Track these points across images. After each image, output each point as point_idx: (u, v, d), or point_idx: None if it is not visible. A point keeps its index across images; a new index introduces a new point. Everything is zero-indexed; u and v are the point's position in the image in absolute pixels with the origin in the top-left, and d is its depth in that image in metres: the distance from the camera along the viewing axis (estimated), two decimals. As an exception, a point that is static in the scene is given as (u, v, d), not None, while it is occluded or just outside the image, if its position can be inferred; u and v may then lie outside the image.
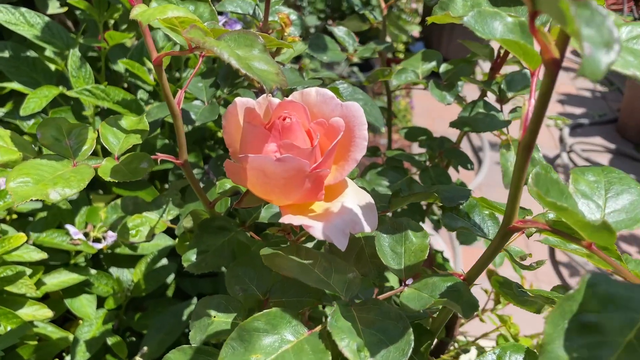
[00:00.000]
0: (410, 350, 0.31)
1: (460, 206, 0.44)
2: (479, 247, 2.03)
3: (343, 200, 0.39)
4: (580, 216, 0.28)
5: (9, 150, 0.45)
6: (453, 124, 0.65)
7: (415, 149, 2.68)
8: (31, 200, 0.42)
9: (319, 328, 0.33)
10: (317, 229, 0.36)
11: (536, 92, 0.33)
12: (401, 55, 3.22)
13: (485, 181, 2.53)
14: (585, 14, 0.21)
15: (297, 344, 0.33)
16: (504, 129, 0.64)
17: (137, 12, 0.36)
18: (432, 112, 3.09)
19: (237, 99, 0.40)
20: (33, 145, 0.55)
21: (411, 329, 0.32)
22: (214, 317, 0.44)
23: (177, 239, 0.61)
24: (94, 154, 0.51)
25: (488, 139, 2.75)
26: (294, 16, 0.65)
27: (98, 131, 0.50)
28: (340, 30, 0.76)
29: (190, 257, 0.53)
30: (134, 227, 0.60)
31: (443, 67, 0.73)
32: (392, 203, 0.46)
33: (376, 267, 0.42)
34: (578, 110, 3.20)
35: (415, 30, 3.26)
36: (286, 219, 0.37)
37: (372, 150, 0.81)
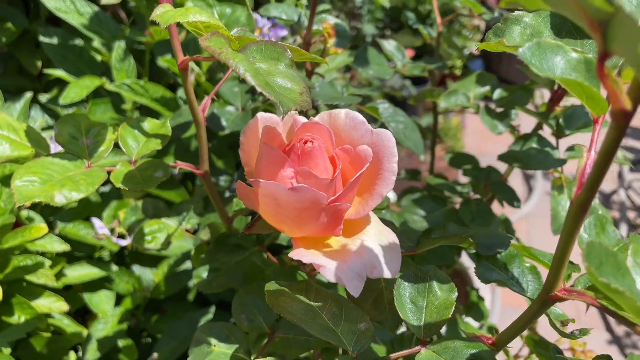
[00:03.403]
0: None
1: (498, 255, 0.39)
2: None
3: (363, 238, 0.35)
4: (637, 302, 0.23)
5: (21, 145, 0.43)
6: (502, 158, 0.60)
7: (461, 174, 2.59)
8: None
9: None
10: (329, 270, 0.32)
11: (597, 142, 0.28)
12: (458, 72, 3.14)
13: (533, 211, 2.42)
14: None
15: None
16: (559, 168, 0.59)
17: (158, 13, 0.33)
18: (485, 132, 2.99)
19: (259, 114, 0.37)
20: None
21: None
22: (214, 346, 0.41)
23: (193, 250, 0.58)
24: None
25: (541, 166, 2.64)
26: (340, 27, 0.61)
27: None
28: (389, 44, 0.72)
29: (202, 273, 0.50)
30: (150, 232, 0.57)
31: (497, 93, 0.67)
32: (421, 244, 0.41)
33: (395, 316, 0.37)
34: (641, 145, 3.04)
35: (475, 47, 3.18)
36: (295, 254, 0.33)
37: (412, 173, 0.76)
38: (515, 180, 2.66)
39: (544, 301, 0.30)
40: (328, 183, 0.32)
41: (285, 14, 0.60)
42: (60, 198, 0.39)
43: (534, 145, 0.59)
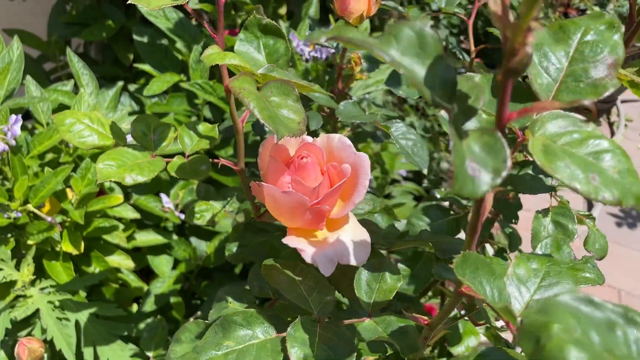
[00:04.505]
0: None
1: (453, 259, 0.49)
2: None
3: (341, 233, 0.46)
4: (488, 297, 0.33)
5: (106, 136, 0.57)
6: None
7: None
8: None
9: (284, 334, 0.41)
10: (307, 254, 0.44)
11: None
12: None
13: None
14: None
15: (263, 341, 0.41)
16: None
17: (205, 54, 0.46)
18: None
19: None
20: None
21: (355, 354, 0.39)
22: (230, 302, 0.54)
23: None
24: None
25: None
26: (368, 55, 0.72)
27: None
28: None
29: (232, 248, 0.63)
30: (199, 211, 0.70)
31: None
32: (396, 244, 0.52)
33: (363, 295, 0.48)
34: None
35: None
36: (286, 239, 0.45)
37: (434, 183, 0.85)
38: (577, 195, 2.63)
39: (457, 293, 0.40)
40: (312, 190, 0.44)
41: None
42: (129, 180, 0.53)
43: (529, 171, 0.67)
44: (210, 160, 0.59)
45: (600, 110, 3.32)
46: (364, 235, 0.47)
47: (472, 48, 0.88)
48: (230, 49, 0.55)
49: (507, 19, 0.26)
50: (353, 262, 0.45)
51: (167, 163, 0.57)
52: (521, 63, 0.24)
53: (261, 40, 0.59)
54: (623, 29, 0.39)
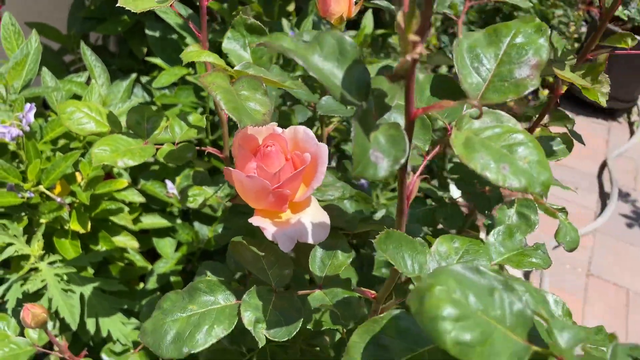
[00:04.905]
0: (296, 329, 0.43)
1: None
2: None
3: (302, 215, 0.51)
4: (408, 271, 0.38)
5: (103, 124, 0.63)
6: (452, 170, 0.73)
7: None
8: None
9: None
10: (269, 232, 0.49)
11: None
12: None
13: (602, 228, 2.40)
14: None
15: (223, 307, 0.46)
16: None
17: (184, 52, 0.52)
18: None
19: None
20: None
21: (302, 319, 0.44)
22: (208, 276, 0.59)
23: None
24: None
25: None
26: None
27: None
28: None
29: (218, 229, 0.68)
30: (192, 195, 0.76)
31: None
32: (358, 227, 0.57)
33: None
34: None
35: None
36: (251, 219, 0.50)
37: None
38: (591, 196, 2.63)
39: (393, 270, 0.45)
40: (272, 175, 0.49)
41: (315, 39, 0.76)
42: (121, 163, 0.59)
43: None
44: (197, 148, 0.65)
45: (620, 110, 3.28)
46: (323, 217, 0.52)
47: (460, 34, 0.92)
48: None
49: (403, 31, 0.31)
50: (311, 240, 0.50)
51: (158, 149, 0.63)
52: (402, 69, 0.29)
53: (247, 39, 0.65)
54: (549, 32, 0.44)
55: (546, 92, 3.24)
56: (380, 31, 1.27)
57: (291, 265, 0.51)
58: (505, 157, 0.38)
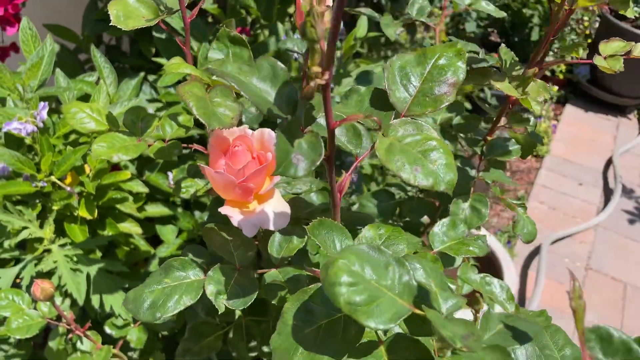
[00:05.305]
0: (251, 300, 0.52)
1: (359, 229, 0.62)
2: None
3: (265, 205, 0.60)
4: (334, 252, 0.46)
5: (102, 123, 0.72)
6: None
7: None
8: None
9: (209, 277, 0.55)
10: (235, 219, 0.58)
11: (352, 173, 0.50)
12: (561, 76, 3.13)
13: (603, 223, 2.43)
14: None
15: (192, 281, 0.55)
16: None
17: (167, 64, 0.60)
18: (576, 141, 2.99)
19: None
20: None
21: (257, 292, 0.52)
22: (190, 256, 0.68)
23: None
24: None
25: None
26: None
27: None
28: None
29: (204, 217, 0.77)
30: (185, 186, 0.85)
31: (456, 120, 0.87)
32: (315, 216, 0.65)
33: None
34: None
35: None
36: (221, 209, 0.59)
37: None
38: (596, 191, 2.67)
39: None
40: (237, 171, 0.57)
41: (297, 46, 0.85)
42: (116, 158, 0.68)
43: (458, 164, 0.78)
44: (184, 145, 0.73)
45: (631, 106, 3.29)
46: (285, 208, 0.60)
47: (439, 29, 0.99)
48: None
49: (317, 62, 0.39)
50: (272, 227, 0.58)
51: (150, 146, 0.72)
52: (308, 93, 0.37)
53: (230, 49, 0.73)
54: (466, 56, 0.51)
55: (555, 88, 3.26)
56: (372, 34, 1.34)
57: (254, 248, 0.59)
58: (419, 160, 0.46)
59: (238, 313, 0.72)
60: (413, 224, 0.84)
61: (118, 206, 1.06)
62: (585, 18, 3.40)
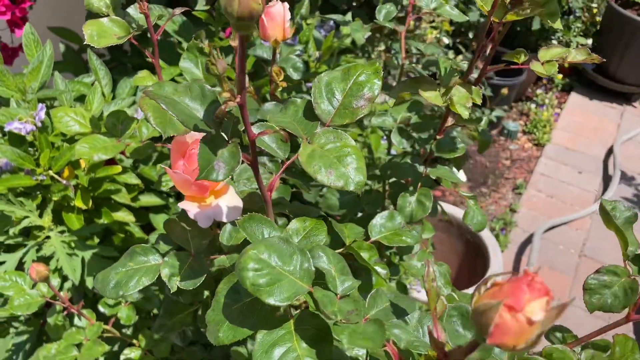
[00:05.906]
0: (200, 282, 0.61)
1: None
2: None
3: (220, 200, 0.68)
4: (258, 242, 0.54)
5: (85, 126, 0.82)
6: (380, 168, 0.88)
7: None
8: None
9: (167, 262, 0.64)
10: (191, 212, 0.66)
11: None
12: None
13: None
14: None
15: (151, 265, 0.64)
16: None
17: (135, 77, 0.69)
18: (578, 129, 3.01)
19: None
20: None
21: (205, 275, 0.62)
22: (152, 245, 0.77)
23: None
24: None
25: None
26: (291, 69, 0.92)
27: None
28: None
29: (178, 209, 0.86)
30: (165, 180, 0.95)
31: (413, 119, 0.94)
32: (279, 209, 0.74)
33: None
34: None
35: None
36: (180, 203, 0.68)
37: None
38: (595, 179, 2.70)
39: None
40: (192, 171, 0.66)
41: (266, 53, 0.92)
42: (96, 157, 0.78)
43: (409, 160, 0.86)
44: (157, 144, 0.82)
45: (636, 94, 3.29)
46: (237, 202, 0.69)
47: (403, 55, 1.06)
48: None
49: (234, 88, 0.47)
50: (225, 219, 0.67)
51: (127, 146, 0.81)
52: (220, 113, 0.46)
53: (199, 59, 0.82)
54: (382, 73, 0.59)
55: (560, 76, 3.28)
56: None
57: (210, 237, 0.68)
58: (334, 164, 0.54)
59: (206, 293, 0.81)
60: (371, 215, 0.92)
61: (113, 197, 1.16)
62: (594, 5, 3.40)
